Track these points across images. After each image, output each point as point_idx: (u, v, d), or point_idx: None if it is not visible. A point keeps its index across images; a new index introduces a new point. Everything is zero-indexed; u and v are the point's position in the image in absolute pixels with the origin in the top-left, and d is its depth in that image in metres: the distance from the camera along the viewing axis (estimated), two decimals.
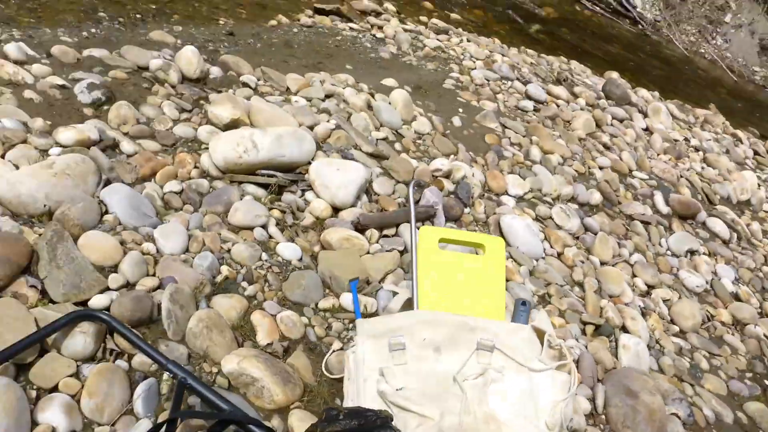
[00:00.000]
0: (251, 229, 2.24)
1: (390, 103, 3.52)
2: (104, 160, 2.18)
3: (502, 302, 1.93)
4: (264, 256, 2.16)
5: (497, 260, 1.96)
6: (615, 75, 6.41)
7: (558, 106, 4.78)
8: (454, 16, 6.87)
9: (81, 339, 1.55)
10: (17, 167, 1.97)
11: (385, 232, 2.53)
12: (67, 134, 2.22)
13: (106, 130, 2.39)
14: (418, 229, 2.05)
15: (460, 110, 4.04)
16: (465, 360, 1.73)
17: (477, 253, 2.12)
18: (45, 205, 1.87)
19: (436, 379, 1.71)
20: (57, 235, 1.76)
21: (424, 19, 6.22)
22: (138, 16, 3.86)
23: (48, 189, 1.90)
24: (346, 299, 2.09)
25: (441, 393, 1.66)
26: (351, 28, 5.09)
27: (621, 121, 5.04)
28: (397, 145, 3.24)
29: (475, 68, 4.96)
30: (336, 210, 2.53)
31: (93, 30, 3.44)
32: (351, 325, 2.03)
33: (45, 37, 3.10)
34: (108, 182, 2.12)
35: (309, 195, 2.55)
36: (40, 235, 1.77)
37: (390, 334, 1.78)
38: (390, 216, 2.59)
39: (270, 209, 2.36)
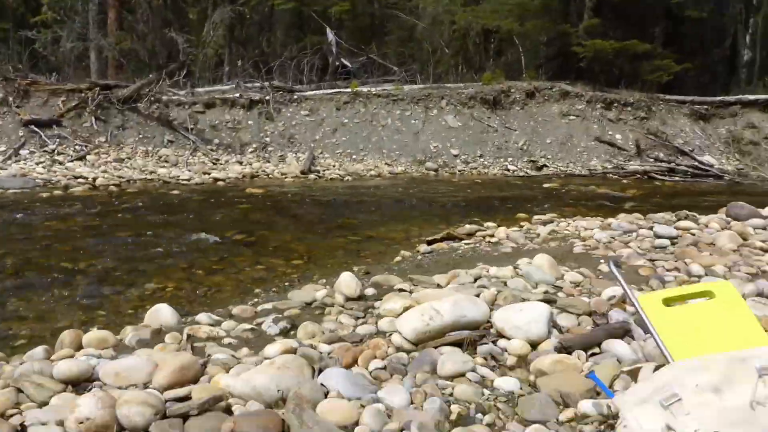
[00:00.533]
0: (463, 375, 2.21)
1: (537, 267, 3.59)
2: (313, 353, 2.31)
3: (758, 329, 1.75)
4: (485, 391, 2.10)
5: (732, 299, 1.83)
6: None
7: (693, 234, 4.71)
8: (549, 215, 7.17)
9: None
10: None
11: (591, 352, 2.43)
12: (273, 348, 2.40)
13: (302, 343, 2.56)
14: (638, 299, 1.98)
15: (602, 261, 4.04)
16: (753, 389, 1.54)
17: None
18: (279, 390, 1.96)
19: (728, 418, 1.51)
20: (299, 406, 1.82)
21: (524, 224, 6.53)
22: (287, 283, 4.31)
23: (276, 380, 2.01)
24: (585, 407, 1.95)
25: (742, 425, 1.46)
26: (466, 244, 5.41)
27: (764, 228, 4.84)
28: (560, 294, 3.23)
29: (595, 234, 5.04)
30: (533, 346, 2.48)
31: (256, 300, 3.84)
32: (602, 427, 1.87)
33: (220, 312, 3.47)
34: (321, 371, 2.21)
35: (501, 342, 2.53)
36: (282, 412, 1.83)
37: (657, 393, 1.63)
38: (590, 335, 2.51)
39: (473, 357, 2.35)
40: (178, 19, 19.64)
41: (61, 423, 1.70)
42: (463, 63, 18.62)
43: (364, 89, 15.51)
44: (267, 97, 14.47)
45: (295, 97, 15.00)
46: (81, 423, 1.66)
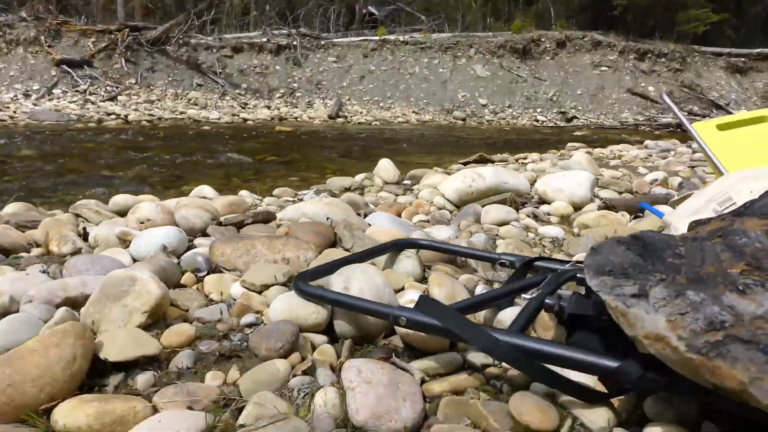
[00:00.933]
0: (507, 223, 2.22)
1: (576, 162, 3.57)
2: (359, 199, 2.34)
3: None
4: (530, 234, 2.11)
5: None
6: None
7: None
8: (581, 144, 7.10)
9: (409, 262, 1.54)
10: None
11: (634, 215, 2.42)
12: (321, 194, 2.43)
13: None
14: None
15: (640, 167, 4.00)
16: None
17: None
18: (328, 218, 2.00)
19: None
20: (348, 225, 1.85)
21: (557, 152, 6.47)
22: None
23: (325, 212, 2.05)
24: None
25: None
26: (499, 164, 5.38)
27: None
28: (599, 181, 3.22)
29: (631, 152, 4.99)
30: (576, 209, 2.48)
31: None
32: None
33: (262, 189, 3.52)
34: (365, 216, 2.24)
35: (543, 207, 2.53)
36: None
37: (709, 202, 1.62)
38: (634, 199, 2.50)
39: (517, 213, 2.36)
40: None
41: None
42: (491, 14, 18.27)
43: (391, 37, 15.33)
44: (294, 43, 14.39)
45: (323, 43, 14.89)
46: (141, 222, 1.71)
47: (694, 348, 0.75)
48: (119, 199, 2.13)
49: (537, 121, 14.07)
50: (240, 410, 0.97)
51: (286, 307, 1.19)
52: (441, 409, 1.01)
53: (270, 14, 16.67)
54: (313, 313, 1.19)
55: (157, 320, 1.25)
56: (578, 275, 1.24)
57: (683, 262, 0.97)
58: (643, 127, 13.58)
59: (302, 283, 1.21)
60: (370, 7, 17.24)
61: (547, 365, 0.97)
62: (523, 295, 1.15)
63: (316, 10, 16.74)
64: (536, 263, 1.38)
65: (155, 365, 1.11)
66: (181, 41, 13.44)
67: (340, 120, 12.15)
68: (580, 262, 1.35)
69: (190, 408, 0.97)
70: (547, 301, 1.11)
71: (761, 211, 1.15)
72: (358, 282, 1.23)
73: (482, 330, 1.01)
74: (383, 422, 0.95)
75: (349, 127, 11.37)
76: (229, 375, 1.08)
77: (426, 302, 1.08)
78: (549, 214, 2.47)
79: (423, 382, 1.09)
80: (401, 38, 15.27)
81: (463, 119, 13.87)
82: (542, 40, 15.57)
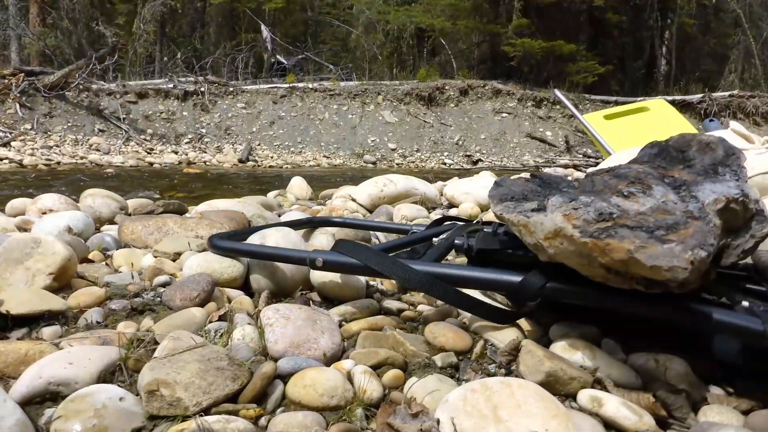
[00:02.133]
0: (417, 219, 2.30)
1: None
2: (272, 201, 2.35)
3: (689, 127, 1.93)
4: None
5: (666, 110, 2.01)
6: None
7: None
8: None
9: (323, 237, 1.56)
10: None
11: None
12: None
13: None
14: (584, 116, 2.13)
15: None
16: None
17: None
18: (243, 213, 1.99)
19: None
20: (262, 216, 1.85)
21: None
22: None
23: (239, 208, 2.04)
24: None
25: None
26: None
27: None
28: None
29: None
30: (482, 210, 2.60)
31: None
32: None
33: None
34: (279, 216, 2.25)
35: (453, 211, 2.64)
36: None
37: None
38: None
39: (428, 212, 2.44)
40: (105, 17, 19.11)
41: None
42: (397, 65, 18.95)
43: (301, 84, 15.55)
44: (202, 89, 14.28)
45: (231, 90, 14.86)
46: (44, 213, 1.64)
47: (587, 233, 0.82)
48: (17, 203, 2.03)
49: (444, 164, 14.56)
50: (154, 350, 0.95)
51: (202, 262, 1.18)
52: (360, 342, 1.03)
53: (177, 62, 16.49)
54: (229, 267, 1.18)
55: (63, 287, 1.20)
56: (484, 229, 1.31)
57: (576, 189, 1.07)
58: (542, 169, 14.37)
59: (217, 239, 1.21)
60: (278, 56, 17.45)
61: (459, 289, 1.02)
62: (434, 239, 1.20)
63: (223, 59, 16.73)
64: (446, 223, 1.44)
65: (62, 320, 1.06)
66: (81, 87, 13.00)
67: (250, 164, 12.07)
68: (486, 223, 1.43)
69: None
70: (456, 241, 1.17)
71: (641, 159, 1.28)
72: (273, 237, 1.25)
73: (397, 261, 1.04)
74: (302, 351, 0.96)
75: (260, 170, 11.31)
76: (142, 324, 1.05)
77: (342, 243, 1.11)
78: (459, 215, 2.57)
79: (341, 325, 1.11)
80: (310, 85, 15.50)
81: (374, 163, 14.12)
82: (446, 88, 16.27)
